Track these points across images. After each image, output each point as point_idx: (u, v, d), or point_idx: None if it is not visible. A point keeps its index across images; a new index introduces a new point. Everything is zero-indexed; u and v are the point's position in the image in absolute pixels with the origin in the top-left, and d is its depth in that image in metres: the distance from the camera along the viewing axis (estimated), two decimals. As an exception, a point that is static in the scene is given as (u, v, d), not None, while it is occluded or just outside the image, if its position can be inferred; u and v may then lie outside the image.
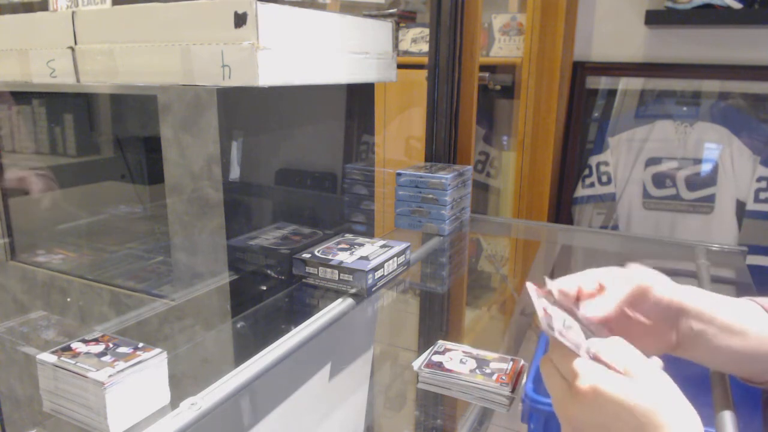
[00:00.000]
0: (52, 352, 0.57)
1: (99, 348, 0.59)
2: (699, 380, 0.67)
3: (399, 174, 1.14)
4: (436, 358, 0.79)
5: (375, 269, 0.81)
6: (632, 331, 0.56)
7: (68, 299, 1.06)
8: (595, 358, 0.49)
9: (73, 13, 0.75)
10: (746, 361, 0.58)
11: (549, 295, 0.56)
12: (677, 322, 0.57)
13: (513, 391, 0.73)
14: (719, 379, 0.66)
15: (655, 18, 1.78)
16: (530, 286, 0.55)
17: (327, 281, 0.83)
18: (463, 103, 1.30)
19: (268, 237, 0.90)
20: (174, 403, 0.57)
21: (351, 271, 0.81)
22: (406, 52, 2.02)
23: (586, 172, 1.98)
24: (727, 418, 0.60)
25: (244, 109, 0.85)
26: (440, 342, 0.83)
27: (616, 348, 0.48)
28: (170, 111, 0.84)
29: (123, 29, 0.72)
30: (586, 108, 1.99)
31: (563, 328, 0.51)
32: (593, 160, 1.97)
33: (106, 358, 0.56)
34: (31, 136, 1.20)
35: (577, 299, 0.56)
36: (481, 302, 1.87)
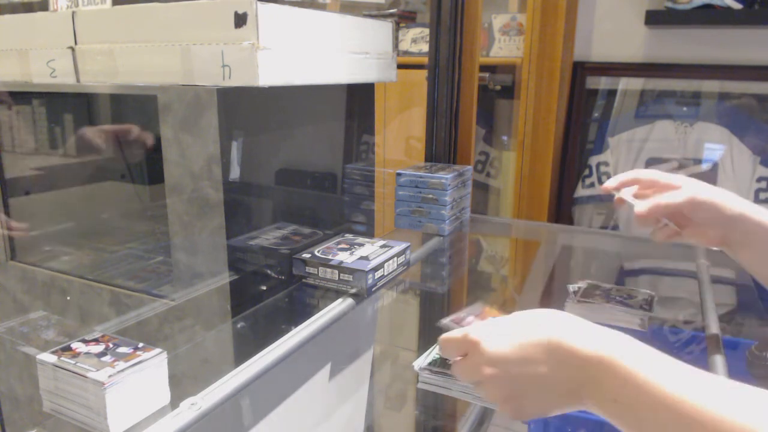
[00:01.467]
0: (52, 352, 0.57)
1: (99, 348, 0.59)
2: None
3: (399, 174, 1.14)
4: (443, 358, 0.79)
5: (375, 269, 0.81)
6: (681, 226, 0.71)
7: (68, 298, 1.06)
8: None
9: (73, 13, 0.75)
10: None
11: None
12: (727, 225, 0.66)
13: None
14: (714, 343, 0.68)
15: (655, 18, 1.78)
16: None
17: (327, 281, 0.83)
18: (463, 103, 1.30)
19: (268, 237, 0.90)
20: (174, 403, 0.57)
21: (351, 271, 0.81)
22: (406, 52, 2.02)
23: (586, 172, 1.98)
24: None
25: (244, 109, 0.85)
26: None
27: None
28: (170, 111, 0.84)
29: (123, 29, 0.72)
30: (586, 108, 1.99)
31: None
32: (593, 160, 1.97)
33: (106, 358, 0.56)
34: (31, 136, 1.20)
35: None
36: (481, 302, 1.87)
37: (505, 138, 2.09)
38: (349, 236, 0.95)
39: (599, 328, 0.47)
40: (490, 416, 1.14)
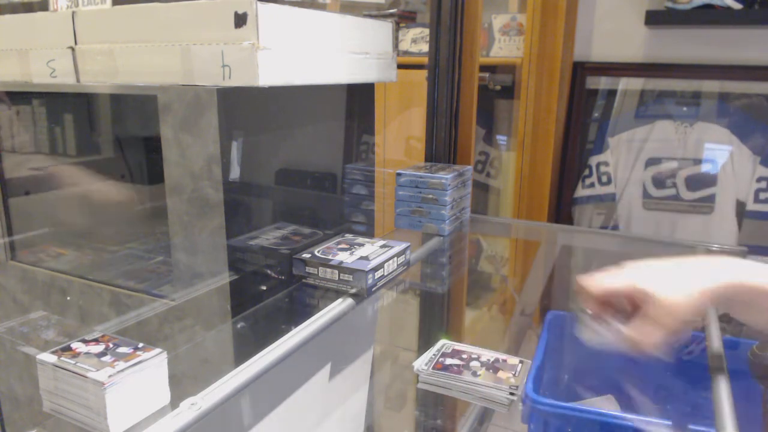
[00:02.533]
0: (52, 352, 0.57)
1: (99, 348, 0.59)
2: (700, 381, 0.67)
3: (399, 174, 1.14)
4: (443, 359, 0.79)
5: (375, 269, 0.81)
6: None
7: (68, 298, 1.06)
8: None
9: (73, 13, 0.75)
10: None
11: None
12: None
13: (513, 392, 0.74)
14: (719, 378, 0.66)
15: (655, 18, 1.78)
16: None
17: (327, 281, 0.83)
18: (463, 103, 1.30)
19: (268, 237, 0.90)
20: (174, 403, 0.57)
21: (351, 271, 0.81)
22: (406, 52, 2.02)
23: (586, 172, 1.98)
24: (727, 418, 0.60)
25: (244, 109, 0.85)
26: (447, 342, 0.83)
27: None
28: (170, 111, 0.84)
29: (123, 29, 0.72)
30: (586, 108, 1.99)
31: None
32: (593, 160, 1.97)
33: (106, 358, 0.56)
34: (31, 136, 1.20)
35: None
36: (481, 302, 1.87)
37: (505, 138, 2.09)
38: (349, 236, 0.95)
39: None
40: (490, 416, 1.14)
